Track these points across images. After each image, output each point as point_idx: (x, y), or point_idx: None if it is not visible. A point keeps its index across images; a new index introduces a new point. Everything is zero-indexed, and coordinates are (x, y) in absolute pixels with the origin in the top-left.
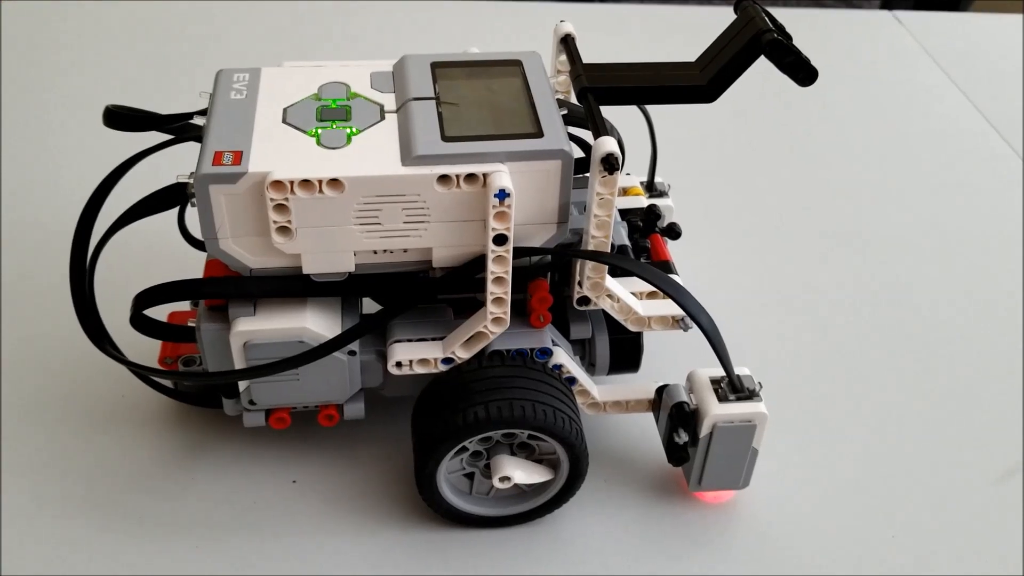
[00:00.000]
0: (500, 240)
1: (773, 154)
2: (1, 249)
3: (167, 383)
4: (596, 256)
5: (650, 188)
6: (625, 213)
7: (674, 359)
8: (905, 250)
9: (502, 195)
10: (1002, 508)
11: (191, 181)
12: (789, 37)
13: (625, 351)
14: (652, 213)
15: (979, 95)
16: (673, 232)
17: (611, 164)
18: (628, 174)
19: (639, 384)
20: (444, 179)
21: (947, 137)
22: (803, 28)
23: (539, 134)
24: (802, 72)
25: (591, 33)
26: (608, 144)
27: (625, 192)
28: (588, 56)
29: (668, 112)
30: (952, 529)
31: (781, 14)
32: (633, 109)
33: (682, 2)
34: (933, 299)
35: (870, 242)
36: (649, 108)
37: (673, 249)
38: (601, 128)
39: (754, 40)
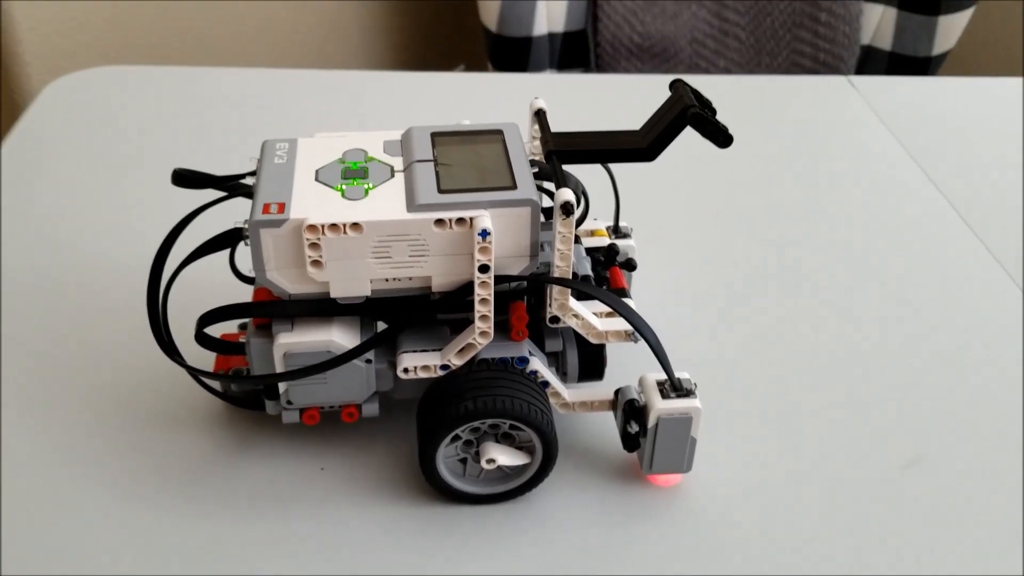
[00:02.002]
0: (483, 269)
1: (724, 204)
2: (89, 283)
3: (219, 388)
4: (561, 282)
5: (616, 231)
6: (591, 251)
7: (636, 367)
8: (832, 275)
9: (484, 234)
10: (907, 490)
11: (246, 226)
12: (713, 111)
13: (591, 362)
14: (612, 250)
15: (919, 151)
16: (630, 265)
17: (568, 210)
18: (596, 219)
19: (602, 388)
20: (440, 222)
21: (884, 184)
22: (761, 93)
23: (514, 187)
24: (720, 137)
25: (576, 97)
26: (566, 194)
27: (592, 234)
28: (577, 114)
29: (639, 169)
30: (864, 504)
31: (746, 81)
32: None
33: (665, 71)
34: (855, 319)
35: (801, 272)
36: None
37: (635, 277)
38: (562, 182)
39: (681, 113)
